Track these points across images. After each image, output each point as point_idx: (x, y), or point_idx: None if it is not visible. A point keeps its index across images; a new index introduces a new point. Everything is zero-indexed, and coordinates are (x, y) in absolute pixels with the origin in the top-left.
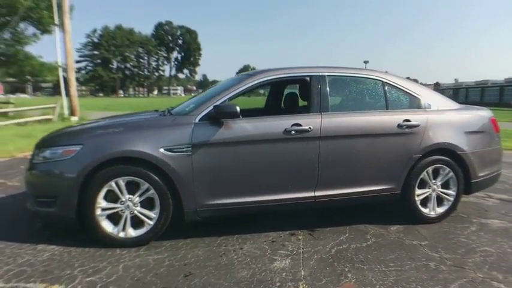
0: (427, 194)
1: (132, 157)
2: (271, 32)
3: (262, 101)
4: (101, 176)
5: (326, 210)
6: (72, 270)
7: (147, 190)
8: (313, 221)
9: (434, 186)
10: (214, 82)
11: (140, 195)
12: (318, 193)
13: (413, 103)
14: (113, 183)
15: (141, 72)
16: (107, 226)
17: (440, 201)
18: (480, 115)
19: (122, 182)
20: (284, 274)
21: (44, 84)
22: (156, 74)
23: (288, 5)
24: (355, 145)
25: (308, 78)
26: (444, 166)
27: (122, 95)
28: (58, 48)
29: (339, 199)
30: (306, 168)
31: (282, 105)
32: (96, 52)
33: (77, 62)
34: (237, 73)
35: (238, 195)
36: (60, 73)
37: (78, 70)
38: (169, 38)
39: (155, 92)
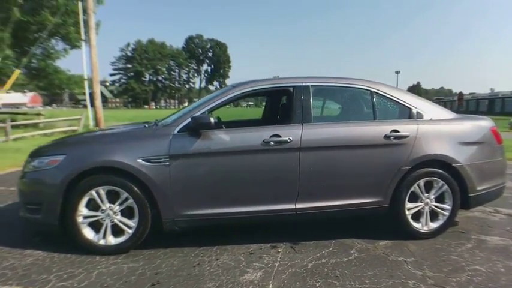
0: (419, 208)
1: (112, 167)
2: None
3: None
4: (82, 185)
5: (314, 223)
6: (49, 275)
7: (127, 199)
8: (299, 233)
9: (427, 200)
10: None
11: (120, 204)
12: (298, 205)
13: (404, 113)
14: (93, 192)
15: (172, 85)
16: (88, 233)
17: (435, 216)
18: (478, 125)
19: (102, 191)
20: (251, 287)
21: (80, 96)
22: (187, 86)
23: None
24: (338, 156)
25: (291, 89)
26: (437, 179)
27: (154, 107)
28: (84, 62)
29: (321, 212)
30: (286, 180)
31: (278, 116)
32: (129, 65)
33: (111, 75)
34: None
35: (217, 206)
36: (86, 86)
37: (112, 83)
38: (200, 50)
39: (186, 104)
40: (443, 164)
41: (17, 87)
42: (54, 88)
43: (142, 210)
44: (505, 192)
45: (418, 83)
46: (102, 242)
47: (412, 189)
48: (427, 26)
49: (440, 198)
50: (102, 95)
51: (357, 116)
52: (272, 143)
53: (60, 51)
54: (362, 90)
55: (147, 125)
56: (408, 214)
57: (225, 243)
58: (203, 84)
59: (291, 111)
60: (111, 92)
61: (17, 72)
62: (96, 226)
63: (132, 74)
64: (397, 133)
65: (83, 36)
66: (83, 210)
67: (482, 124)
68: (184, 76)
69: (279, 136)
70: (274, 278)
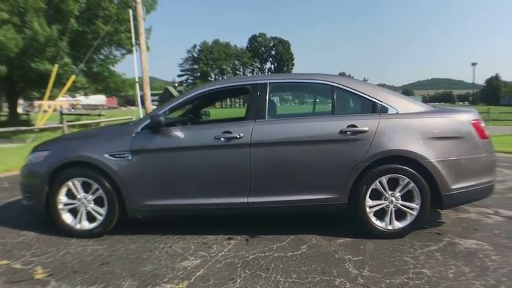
0: (383, 206)
1: (83, 161)
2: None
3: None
4: (61, 177)
5: (286, 217)
6: (27, 251)
7: (97, 190)
8: (264, 227)
9: (392, 198)
10: None
11: (92, 194)
12: (251, 199)
13: (367, 107)
14: (70, 183)
15: None
16: (67, 218)
17: (403, 215)
18: (454, 119)
19: (77, 182)
20: (180, 272)
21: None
22: None
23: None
24: (290, 152)
25: (249, 87)
26: (402, 176)
27: (219, 106)
28: (135, 66)
29: (274, 206)
30: (237, 174)
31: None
32: (195, 66)
33: (179, 76)
34: None
35: (174, 198)
36: (137, 88)
37: (180, 83)
38: (263, 49)
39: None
40: (408, 160)
41: (80, 90)
42: (111, 91)
43: (110, 200)
44: None
45: (497, 74)
46: (78, 226)
47: (373, 186)
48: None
49: (408, 197)
50: (171, 95)
51: (315, 112)
52: (223, 139)
53: (117, 57)
54: (322, 85)
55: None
56: (369, 212)
57: (188, 233)
58: None
59: (247, 109)
60: (179, 92)
61: (73, 77)
62: (74, 212)
63: (198, 74)
64: (354, 128)
65: (133, 42)
66: (62, 198)
67: (459, 118)
68: (249, 75)
69: (230, 132)
70: (208, 266)
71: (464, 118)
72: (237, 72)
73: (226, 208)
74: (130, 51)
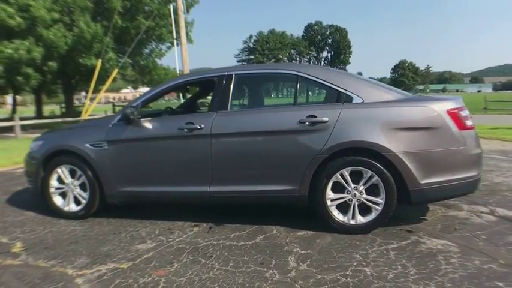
0: (346, 199)
1: (68, 150)
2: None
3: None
4: (52, 164)
5: (260, 208)
6: (19, 228)
7: (81, 176)
8: (234, 216)
9: (355, 192)
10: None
11: (77, 180)
12: (212, 189)
13: (331, 97)
14: (59, 170)
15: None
16: (58, 201)
17: (368, 210)
18: (427, 108)
19: (64, 169)
20: (131, 254)
21: None
22: None
23: None
24: (249, 143)
25: (216, 79)
26: (365, 169)
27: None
28: (176, 59)
29: (234, 196)
30: (199, 164)
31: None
32: (251, 57)
33: None
34: (392, 69)
35: (143, 185)
36: None
37: None
38: (319, 37)
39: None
40: (370, 152)
41: (129, 83)
42: (155, 83)
43: (92, 186)
44: None
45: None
46: (66, 208)
47: (334, 179)
48: None
49: (373, 191)
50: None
51: (278, 102)
52: (186, 129)
53: (162, 50)
54: (288, 75)
55: None
56: (331, 205)
57: (162, 219)
58: None
59: (211, 100)
60: None
61: (116, 71)
62: (64, 196)
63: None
64: (313, 118)
65: (174, 35)
66: (54, 183)
67: (432, 107)
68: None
69: (193, 123)
70: (159, 250)
71: (438, 107)
72: (293, 61)
73: (190, 197)
74: (173, 45)
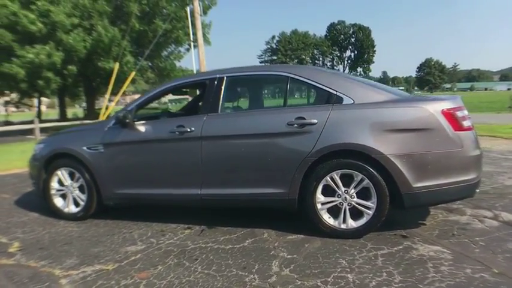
0: (336, 203)
1: (66, 153)
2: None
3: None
4: (52, 166)
5: (255, 210)
6: (21, 229)
7: (79, 178)
8: (227, 219)
9: (346, 196)
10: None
11: (76, 182)
12: (203, 191)
13: (322, 98)
14: (59, 172)
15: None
16: (58, 202)
17: (360, 214)
18: (420, 109)
19: (64, 171)
20: (119, 256)
21: None
22: None
23: None
24: (239, 145)
25: (207, 82)
26: (355, 172)
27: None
28: (193, 60)
29: (225, 199)
30: (190, 167)
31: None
32: (274, 57)
33: None
34: (418, 68)
35: (137, 188)
36: None
37: None
38: (342, 37)
39: None
40: (360, 154)
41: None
42: None
43: (89, 188)
44: None
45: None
46: (66, 210)
47: (324, 182)
48: None
49: (365, 195)
50: None
51: (269, 104)
52: (177, 132)
53: (181, 52)
54: (279, 77)
55: None
56: (321, 209)
57: (157, 221)
58: (346, 71)
59: (202, 103)
60: None
61: (133, 73)
62: (64, 197)
63: None
64: (302, 120)
65: (191, 37)
66: (54, 185)
67: (425, 107)
68: (328, 64)
69: (183, 126)
70: (147, 252)
71: (432, 108)
72: (316, 61)
73: (182, 199)
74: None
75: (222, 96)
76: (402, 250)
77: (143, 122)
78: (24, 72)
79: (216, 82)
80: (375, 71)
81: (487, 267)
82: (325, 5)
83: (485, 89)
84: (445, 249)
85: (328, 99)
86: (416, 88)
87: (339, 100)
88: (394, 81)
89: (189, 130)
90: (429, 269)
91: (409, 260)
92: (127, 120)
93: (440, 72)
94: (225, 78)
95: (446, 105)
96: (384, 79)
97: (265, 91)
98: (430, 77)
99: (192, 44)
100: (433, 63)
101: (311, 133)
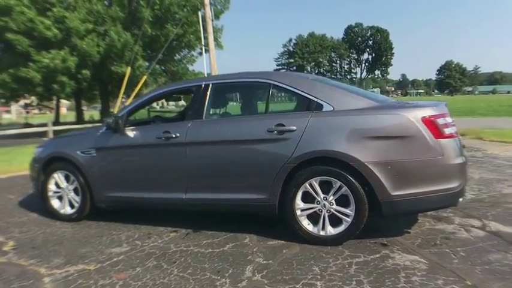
0: (316, 210)
1: (62, 157)
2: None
3: None
4: (49, 169)
5: (244, 216)
6: (19, 229)
7: (74, 181)
8: (212, 223)
9: (325, 202)
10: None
11: (71, 184)
12: (188, 196)
13: (302, 105)
14: (55, 175)
15: (333, 76)
16: (55, 204)
17: (339, 221)
18: (399, 116)
19: (60, 174)
20: (103, 256)
21: None
22: (348, 76)
23: None
24: (221, 151)
25: (194, 89)
26: (334, 179)
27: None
28: (204, 63)
29: (208, 204)
30: (175, 172)
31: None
32: (291, 60)
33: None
34: (438, 71)
35: (125, 191)
36: None
37: None
38: (360, 39)
39: None
40: (338, 162)
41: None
42: None
43: (83, 190)
44: None
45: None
46: (62, 211)
47: (303, 188)
48: None
49: (344, 202)
50: None
51: (251, 111)
52: (163, 138)
53: (193, 56)
54: (261, 84)
55: None
56: (300, 215)
57: (146, 223)
58: (364, 74)
59: (188, 109)
60: None
61: (144, 77)
62: (61, 199)
63: (294, 68)
64: (282, 127)
65: (202, 42)
66: (52, 188)
67: (405, 114)
68: (346, 67)
69: (169, 132)
70: (130, 254)
71: (412, 115)
72: (334, 64)
73: (168, 203)
74: (202, 50)
75: (206, 102)
76: (378, 259)
77: (133, 127)
78: (40, 76)
79: (201, 89)
80: (394, 73)
81: (461, 278)
82: (342, 7)
83: (508, 92)
84: (423, 258)
85: (308, 106)
86: (436, 91)
87: (319, 107)
88: (414, 84)
89: (174, 136)
90: (400, 278)
91: (382, 269)
92: (118, 126)
93: (461, 75)
94: (210, 85)
95: (426, 112)
96: (403, 82)
97: (249, 98)
98: (451, 80)
99: (203, 48)
100: (453, 65)
101: (290, 140)
